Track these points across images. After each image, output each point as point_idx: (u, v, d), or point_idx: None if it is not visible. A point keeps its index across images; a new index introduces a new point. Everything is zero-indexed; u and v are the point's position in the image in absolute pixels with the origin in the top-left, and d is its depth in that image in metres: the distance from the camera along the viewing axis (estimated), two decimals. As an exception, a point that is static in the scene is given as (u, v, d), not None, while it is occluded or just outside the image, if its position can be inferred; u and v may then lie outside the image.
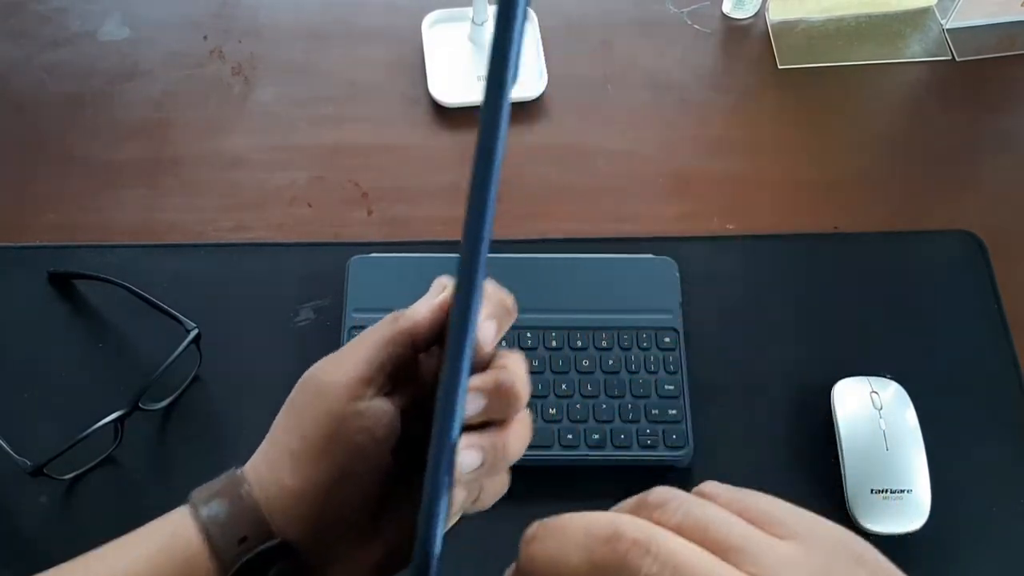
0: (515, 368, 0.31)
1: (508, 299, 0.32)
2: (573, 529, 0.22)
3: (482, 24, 0.73)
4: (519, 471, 0.58)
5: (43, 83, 0.74)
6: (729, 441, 0.59)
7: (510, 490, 0.59)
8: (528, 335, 0.60)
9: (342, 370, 0.33)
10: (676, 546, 0.21)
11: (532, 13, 0.76)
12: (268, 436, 0.34)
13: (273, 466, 0.33)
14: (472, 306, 0.26)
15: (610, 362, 0.59)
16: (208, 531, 0.32)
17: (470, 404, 0.30)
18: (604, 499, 0.29)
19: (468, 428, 0.30)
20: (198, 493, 0.33)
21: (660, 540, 0.21)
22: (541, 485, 0.58)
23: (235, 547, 0.31)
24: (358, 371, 0.32)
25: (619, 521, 0.22)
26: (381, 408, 0.32)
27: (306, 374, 0.34)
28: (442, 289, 0.34)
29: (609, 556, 0.21)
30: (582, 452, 0.57)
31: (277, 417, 0.34)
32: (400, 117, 0.73)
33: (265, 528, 0.32)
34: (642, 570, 0.20)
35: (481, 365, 0.31)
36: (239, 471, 0.34)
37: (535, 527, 0.24)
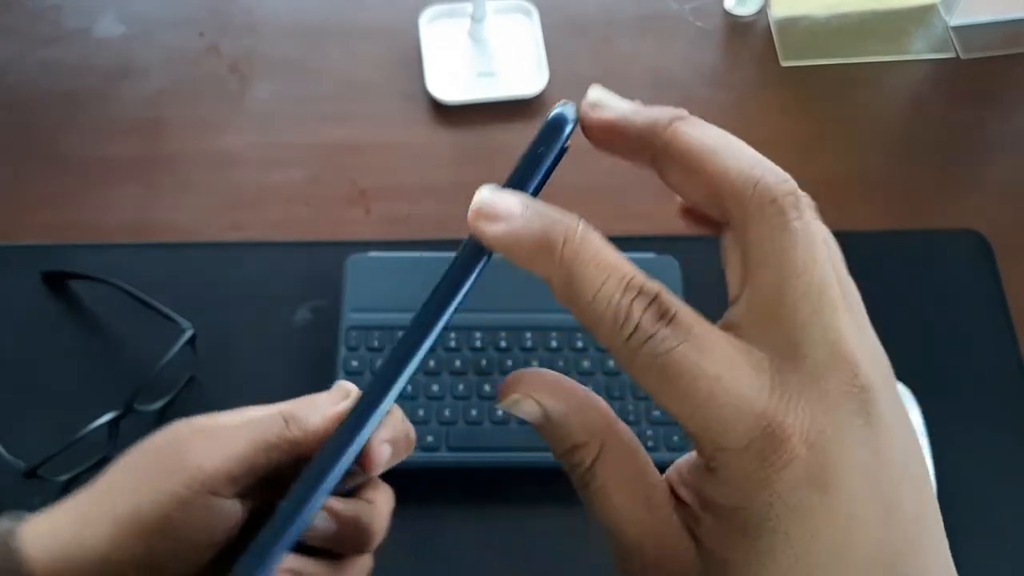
0: (381, 507, 0.31)
1: (411, 432, 0.32)
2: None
3: (481, 21, 0.73)
4: (519, 474, 0.57)
5: (37, 80, 0.73)
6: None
7: (511, 493, 0.59)
8: (528, 336, 0.59)
9: (212, 457, 0.29)
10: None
11: (534, 9, 0.75)
12: (86, 492, 0.30)
13: (81, 522, 0.29)
14: (368, 418, 0.24)
15: (610, 364, 0.59)
16: None
17: (318, 522, 0.29)
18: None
19: (301, 549, 0.29)
20: None
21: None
22: (541, 488, 0.57)
23: None
24: (228, 466, 0.29)
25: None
26: (232, 511, 0.30)
27: (170, 437, 0.31)
28: (345, 396, 0.32)
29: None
30: (583, 454, 0.57)
31: (110, 471, 0.31)
32: (398, 115, 0.72)
33: None
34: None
35: (344, 492, 0.30)
36: (13, 529, 0.30)
37: None
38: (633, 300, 0.21)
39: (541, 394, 0.23)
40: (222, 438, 0.30)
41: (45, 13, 0.76)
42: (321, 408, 0.31)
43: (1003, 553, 0.57)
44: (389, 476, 0.58)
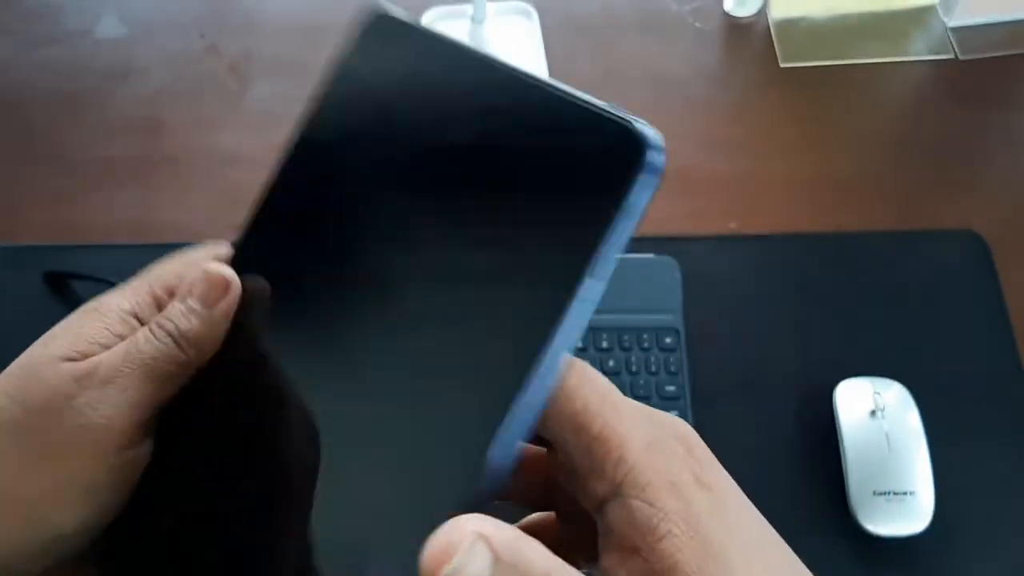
0: None
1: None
2: None
3: (481, 23, 0.73)
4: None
5: (38, 81, 0.73)
6: (730, 442, 0.59)
7: (510, 493, 0.58)
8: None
9: (118, 414, 0.25)
10: None
11: (533, 11, 0.75)
12: None
13: None
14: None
15: (611, 363, 0.59)
16: None
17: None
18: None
19: None
20: None
21: None
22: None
23: None
24: (136, 415, 0.25)
25: None
26: (145, 453, 0.26)
27: (48, 393, 0.25)
28: (224, 291, 0.27)
29: None
30: (582, 454, 0.57)
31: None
32: (399, 115, 0.72)
33: None
34: None
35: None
36: None
37: None
38: None
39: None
40: (117, 385, 0.25)
41: (45, 13, 0.76)
42: (200, 315, 0.27)
43: (1003, 554, 0.57)
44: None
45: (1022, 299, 0.64)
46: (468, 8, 0.73)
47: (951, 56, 0.76)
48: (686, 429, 0.24)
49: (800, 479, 0.58)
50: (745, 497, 0.24)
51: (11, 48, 0.74)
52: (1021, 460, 0.59)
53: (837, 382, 0.59)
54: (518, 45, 0.74)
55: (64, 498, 0.25)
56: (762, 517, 0.24)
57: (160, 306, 0.27)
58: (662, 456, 0.23)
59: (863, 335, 0.63)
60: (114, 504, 0.26)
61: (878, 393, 0.58)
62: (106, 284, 0.61)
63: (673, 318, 0.61)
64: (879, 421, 0.57)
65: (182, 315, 0.26)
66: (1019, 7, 0.76)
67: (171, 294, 0.27)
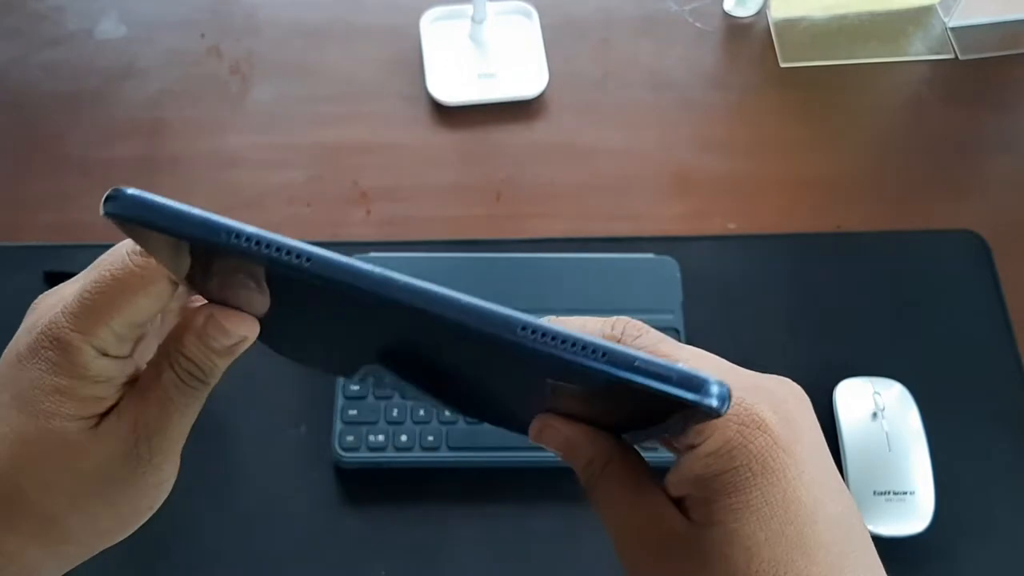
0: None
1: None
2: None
3: (481, 22, 0.73)
4: (519, 474, 0.57)
5: (39, 82, 0.73)
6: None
7: (511, 493, 0.59)
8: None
9: (168, 457, 0.29)
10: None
11: (533, 11, 0.75)
12: None
13: None
14: None
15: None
16: None
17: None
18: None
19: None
20: None
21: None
22: (541, 488, 0.58)
23: None
24: (178, 447, 0.29)
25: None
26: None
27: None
28: (227, 333, 0.27)
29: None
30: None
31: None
32: (399, 116, 0.72)
33: None
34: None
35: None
36: None
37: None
38: None
39: (559, 426, 0.28)
40: (161, 436, 0.28)
41: (47, 15, 0.76)
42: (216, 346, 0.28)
43: (1003, 553, 0.57)
44: (385, 475, 0.58)
45: (1022, 299, 0.64)
46: (468, 8, 0.73)
47: (951, 56, 0.76)
48: (787, 399, 0.27)
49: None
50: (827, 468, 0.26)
51: (13, 49, 0.75)
52: (1020, 460, 0.59)
53: (837, 382, 0.59)
54: (518, 45, 0.74)
55: (131, 525, 0.30)
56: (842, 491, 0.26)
57: (120, 337, 0.27)
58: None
59: (863, 335, 0.63)
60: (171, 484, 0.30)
61: (878, 393, 0.58)
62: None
63: (673, 318, 0.61)
64: (879, 421, 0.57)
65: (202, 357, 0.27)
66: (1019, 7, 0.76)
67: (129, 324, 0.27)
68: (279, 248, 0.22)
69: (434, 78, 0.72)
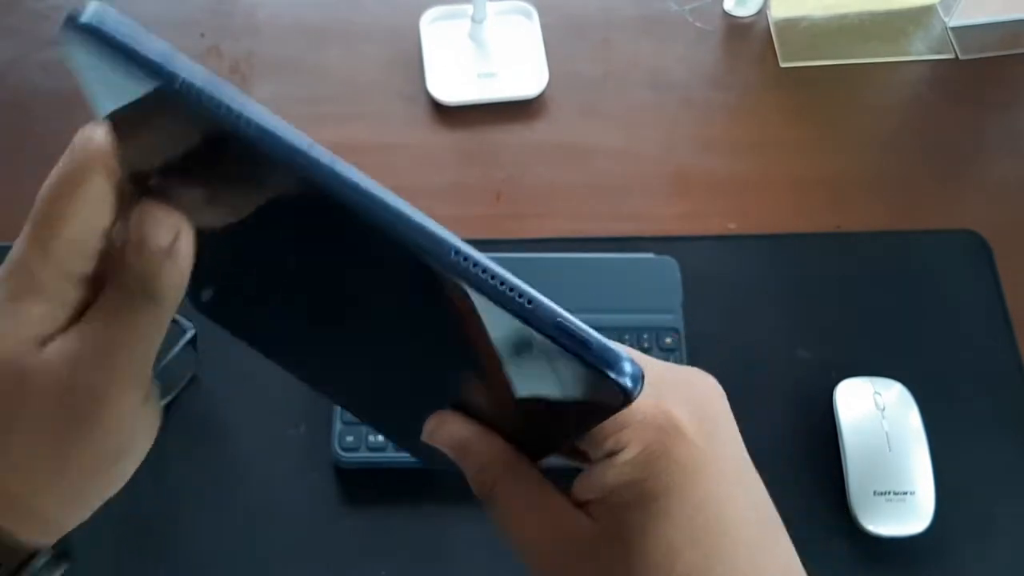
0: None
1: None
2: None
3: (481, 22, 0.73)
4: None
5: (39, 81, 0.73)
6: (731, 442, 0.59)
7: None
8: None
9: (118, 385, 0.26)
10: None
11: (533, 10, 0.75)
12: None
13: None
14: None
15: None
16: None
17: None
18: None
19: None
20: None
21: None
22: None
23: None
24: (133, 379, 0.26)
25: None
26: (153, 406, 0.28)
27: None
28: (175, 230, 0.25)
29: None
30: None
31: None
32: (398, 115, 0.72)
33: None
34: None
35: None
36: None
37: None
38: None
39: (454, 425, 0.27)
40: (107, 359, 0.26)
41: (47, 14, 0.76)
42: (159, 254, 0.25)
43: (1003, 554, 0.57)
44: (385, 475, 0.58)
45: (1022, 299, 0.64)
46: (468, 8, 0.73)
47: (951, 56, 0.76)
48: (704, 395, 0.27)
49: (800, 479, 0.58)
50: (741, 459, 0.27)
51: (13, 49, 0.75)
52: (1021, 460, 0.59)
53: (837, 382, 0.59)
54: (518, 45, 0.74)
55: (101, 473, 0.27)
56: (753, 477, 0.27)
57: (75, 253, 0.26)
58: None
59: (863, 335, 0.63)
60: (151, 438, 0.28)
61: (878, 393, 0.58)
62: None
63: (673, 318, 0.61)
64: (879, 421, 0.57)
65: (145, 264, 0.25)
66: (1019, 7, 0.76)
67: (79, 236, 0.26)
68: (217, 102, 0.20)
69: (434, 78, 0.72)
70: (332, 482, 0.58)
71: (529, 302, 0.22)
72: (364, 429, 0.57)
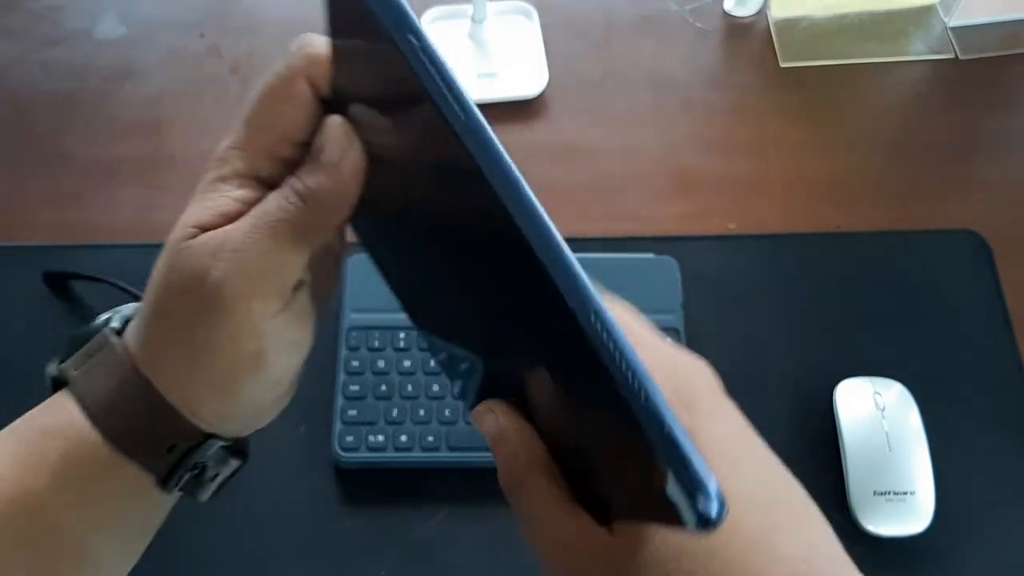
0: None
1: None
2: None
3: (481, 22, 0.73)
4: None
5: (38, 81, 0.73)
6: (731, 442, 0.59)
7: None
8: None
9: (253, 283, 0.27)
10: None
11: (533, 11, 0.75)
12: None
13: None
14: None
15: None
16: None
17: None
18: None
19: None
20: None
21: None
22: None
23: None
24: (275, 281, 0.27)
25: None
26: (301, 309, 0.29)
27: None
28: (348, 144, 0.27)
29: None
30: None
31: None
32: (399, 115, 0.72)
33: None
34: None
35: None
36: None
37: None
38: None
39: (501, 416, 0.27)
40: (248, 253, 0.27)
41: (46, 14, 0.76)
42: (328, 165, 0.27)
43: (1003, 554, 0.57)
44: (385, 475, 0.58)
45: (1022, 299, 0.64)
46: (468, 8, 0.73)
47: (951, 56, 0.76)
48: (688, 382, 0.27)
49: (800, 479, 0.57)
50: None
51: (13, 49, 0.75)
52: (1021, 460, 0.59)
53: (837, 382, 0.59)
54: (518, 45, 0.74)
55: (243, 373, 0.28)
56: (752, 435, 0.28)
57: (272, 155, 0.27)
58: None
59: (863, 335, 0.63)
60: (292, 358, 0.29)
61: (878, 393, 0.58)
62: (106, 284, 0.61)
63: (673, 318, 0.61)
64: (879, 421, 0.57)
65: (310, 174, 0.26)
66: (1019, 7, 0.76)
67: (281, 138, 0.27)
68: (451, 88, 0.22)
69: (434, 78, 0.72)
70: (332, 482, 0.58)
71: (646, 398, 0.21)
72: (364, 429, 0.57)
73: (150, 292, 0.28)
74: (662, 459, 0.21)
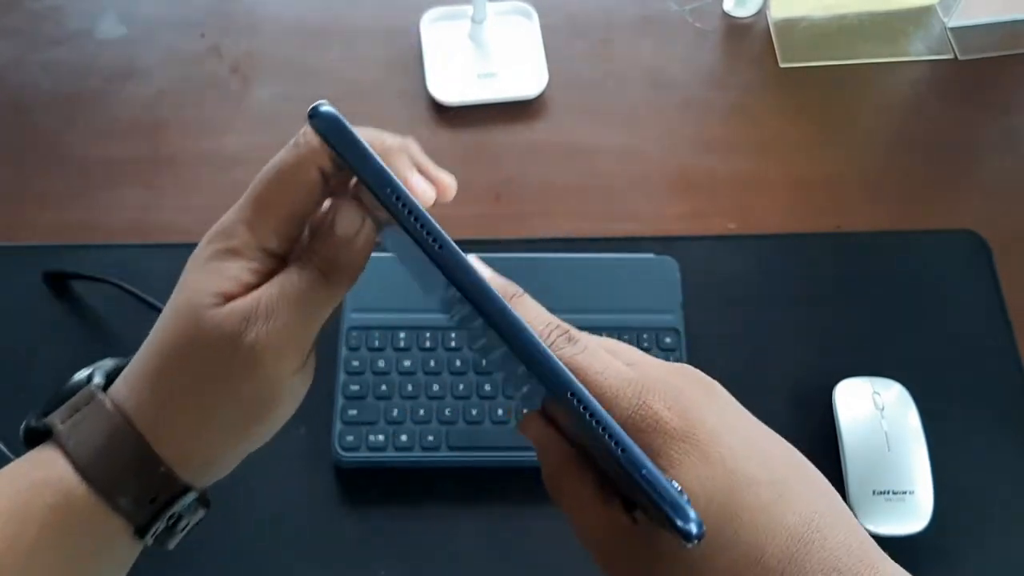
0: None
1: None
2: None
3: (481, 22, 0.73)
4: (519, 474, 0.57)
5: (39, 81, 0.73)
6: (730, 442, 0.59)
7: (511, 493, 0.59)
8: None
9: (284, 344, 0.30)
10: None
11: (533, 11, 0.75)
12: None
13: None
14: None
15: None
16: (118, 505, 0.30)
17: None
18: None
19: None
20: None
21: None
22: (540, 488, 0.57)
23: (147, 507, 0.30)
24: (299, 343, 0.31)
25: None
26: (310, 370, 0.33)
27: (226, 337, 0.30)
28: (361, 222, 0.31)
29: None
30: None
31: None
32: (398, 115, 0.72)
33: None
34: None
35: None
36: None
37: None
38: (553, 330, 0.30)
39: (542, 428, 0.30)
40: (278, 318, 0.30)
41: (47, 14, 0.76)
42: (343, 240, 0.31)
43: (1002, 552, 0.57)
44: (385, 475, 0.58)
45: (1022, 299, 0.64)
46: (468, 8, 0.73)
47: (951, 56, 0.76)
48: (683, 390, 0.29)
49: (800, 479, 0.58)
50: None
51: (14, 49, 0.75)
52: (1021, 460, 0.59)
53: (836, 381, 0.59)
54: (518, 45, 0.74)
55: (240, 429, 0.31)
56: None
57: (278, 230, 0.31)
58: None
59: (863, 335, 0.63)
60: (293, 407, 0.32)
61: (878, 393, 0.58)
62: (106, 284, 0.61)
63: (673, 318, 0.61)
64: (878, 421, 0.57)
65: (330, 248, 0.30)
66: (1019, 7, 0.76)
67: (288, 216, 0.31)
68: (423, 226, 0.28)
69: (434, 78, 0.72)
70: (332, 482, 0.58)
71: (623, 451, 0.27)
72: (364, 429, 0.57)
73: (156, 354, 0.30)
74: (648, 495, 0.26)
